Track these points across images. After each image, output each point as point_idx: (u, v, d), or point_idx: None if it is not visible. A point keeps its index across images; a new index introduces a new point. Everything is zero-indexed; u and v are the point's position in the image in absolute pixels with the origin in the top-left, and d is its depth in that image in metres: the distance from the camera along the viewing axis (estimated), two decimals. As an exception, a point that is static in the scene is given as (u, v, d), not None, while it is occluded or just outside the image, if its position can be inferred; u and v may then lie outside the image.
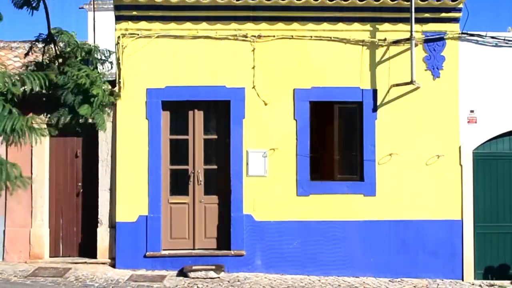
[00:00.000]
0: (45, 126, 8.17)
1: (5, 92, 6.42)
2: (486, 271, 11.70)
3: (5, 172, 6.18)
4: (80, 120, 7.79)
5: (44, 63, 7.82)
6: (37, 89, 6.57)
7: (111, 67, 8.33)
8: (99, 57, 8.08)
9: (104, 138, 11.64)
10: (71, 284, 10.42)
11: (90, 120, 7.86)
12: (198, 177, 11.73)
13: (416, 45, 11.54)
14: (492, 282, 11.51)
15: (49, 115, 7.89)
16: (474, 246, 11.61)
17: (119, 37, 11.45)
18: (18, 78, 6.71)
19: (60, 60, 7.67)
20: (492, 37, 11.83)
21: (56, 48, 7.74)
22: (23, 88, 10.02)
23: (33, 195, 11.69)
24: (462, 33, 11.74)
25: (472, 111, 11.73)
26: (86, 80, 7.48)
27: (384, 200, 11.57)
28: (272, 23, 11.63)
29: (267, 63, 11.60)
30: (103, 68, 8.33)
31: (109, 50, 8.17)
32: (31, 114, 6.65)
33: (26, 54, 8.43)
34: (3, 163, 6.22)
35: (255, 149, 11.55)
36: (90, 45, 8.02)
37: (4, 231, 11.71)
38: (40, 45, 7.92)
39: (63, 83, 7.44)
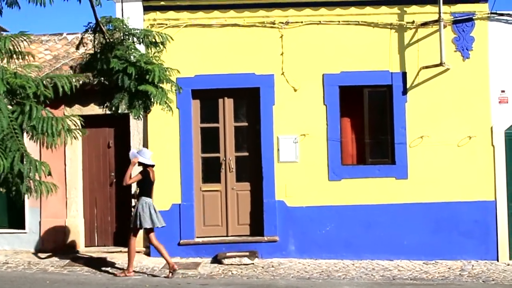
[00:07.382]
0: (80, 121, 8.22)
1: (38, 94, 6.56)
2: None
3: (33, 169, 6.19)
4: (140, 101, 7.71)
5: (97, 52, 7.84)
6: (68, 90, 6.66)
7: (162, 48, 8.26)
8: (154, 41, 8.02)
9: (135, 128, 11.75)
10: (108, 273, 10.53)
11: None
12: (229, 164, 11.78)
13: (444, 26, 11.48)
14: (528, 262, 11.44)
15: (107, 104, 7.86)
16: (508, 226, 11.55)
17: (147, 27, 11.54)
18: (50, 82, 6.83)
19: (111, 48, 7.68)
20: (522, 16, 11.74)
21: (106, 37, 7.75)
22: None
23: (67, 186, 11.83)
24: (491, 13, 11.65)
25: (503, 91, 11.64)
26: (140, 58, 7.43)
27: (417, 183, 11.55)
28: (300, 9, 11.64)
29: (296, 49, 11.61)
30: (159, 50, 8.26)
31: (161, 34, 8.10)
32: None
33: (78, 46, 8.52)
34: (32, 160, 6.26)
35: (285, 135, 11.58)
36: (143, 30, 7.99)
37: (40, 222, 11.87)
38: (90, 36, 7.96)
39: (117, 67, 7.40)
